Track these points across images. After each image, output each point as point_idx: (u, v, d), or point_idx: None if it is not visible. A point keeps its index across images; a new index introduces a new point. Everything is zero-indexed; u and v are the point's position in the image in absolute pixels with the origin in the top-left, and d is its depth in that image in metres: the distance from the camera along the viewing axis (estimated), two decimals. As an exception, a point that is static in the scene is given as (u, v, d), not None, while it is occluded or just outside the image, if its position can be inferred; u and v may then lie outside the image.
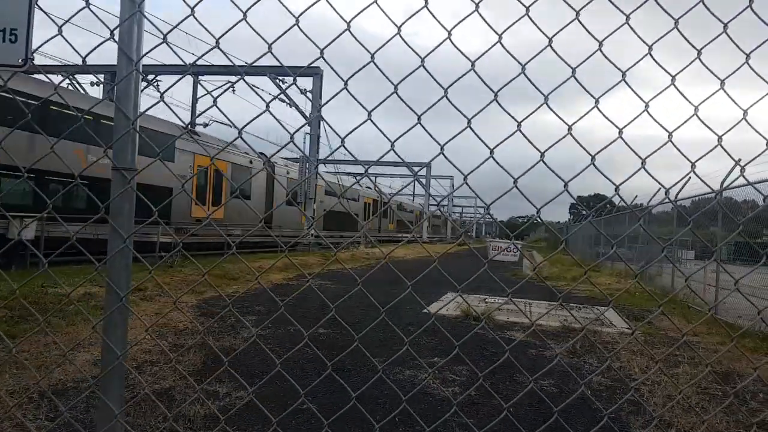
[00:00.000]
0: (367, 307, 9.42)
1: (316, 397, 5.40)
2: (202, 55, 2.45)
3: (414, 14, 2.30)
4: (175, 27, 2.66)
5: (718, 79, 2.39)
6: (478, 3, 2.30)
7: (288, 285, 14.23)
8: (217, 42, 2.22)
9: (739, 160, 2.58)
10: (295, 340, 7.64)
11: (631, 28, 2.32)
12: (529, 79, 2.38)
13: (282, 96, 25.72)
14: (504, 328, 9.43)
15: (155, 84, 25.77)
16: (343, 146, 2.32)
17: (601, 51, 2.33)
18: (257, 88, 27.58)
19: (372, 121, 2.35)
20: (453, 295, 12.64)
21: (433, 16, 2.30)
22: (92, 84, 26.90)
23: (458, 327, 9.19)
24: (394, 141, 2.33)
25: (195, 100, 27.78)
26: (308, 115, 24.73)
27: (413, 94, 2.40)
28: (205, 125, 27.85)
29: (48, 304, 9.00)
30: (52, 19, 2.26)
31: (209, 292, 11.32)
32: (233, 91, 24.09)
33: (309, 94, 26.23)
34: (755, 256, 9.59)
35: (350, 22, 2.31)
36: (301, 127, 2.71)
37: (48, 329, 7.28)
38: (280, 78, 24.21)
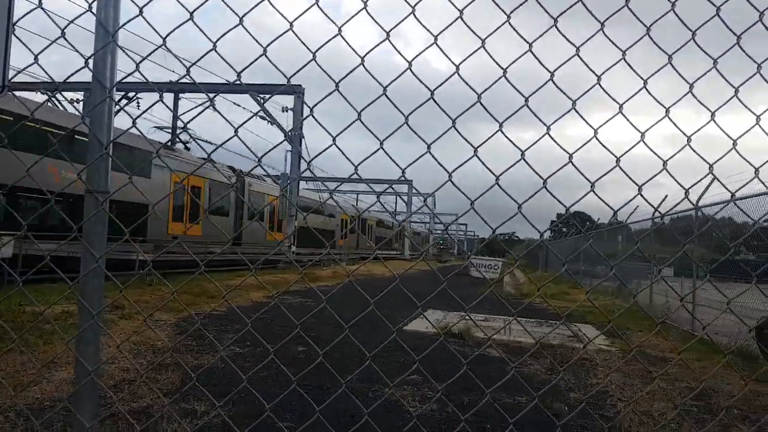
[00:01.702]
0: (345, 324, 9.34)
1: (294, 414, 5.40)
2: (178, 80, 2.50)
3: (403, 19, 2.38)
4: (146, 57, 2.71)
5: (687, 82, 2.48)
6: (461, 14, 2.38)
7: (268, 303, 14.16)
8: (188, 70, 2.29)
9: (712, 166, 2.64)
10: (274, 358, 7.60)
11: (629, 63, 2.41)
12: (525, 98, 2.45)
13: (264, 114, 25.78)
14: (481, 345, 9.48)
15: (136, 102, 25.76)
16: (310, 169, 2.38)
17: (601, 85, 2.41)
18: (238, 105, 27.63)
19: (337, 146, 2.42)
20: (433, 312, 12.70)
21: (421, 23, 2.37)
22: (71, 102, 26.75)
23: (436, 344, 9.20)
24: (358, 165, 2.39)
25: (175, 117, 27.78)
26: (290, 133, 24.77)
27: (392, 111, 2.47)
28: (186, 143, 27.80)
29: (25, 322, 8.89)
30: (29, 49, 2.30)
31: (187, 311, 11.24)
32: (213, 108, 24.07)
33: (290, 112, 26.32)
34: (733, 273, 9.75)
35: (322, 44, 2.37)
36: (276, 146, 2.76)
37: (23, 348, 7.20)
38: (261, 96, 24.28)
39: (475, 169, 2.48)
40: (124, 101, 26.94)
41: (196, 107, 27.97)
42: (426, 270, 30.03)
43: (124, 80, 2.52)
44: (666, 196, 2.80)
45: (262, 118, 25.52)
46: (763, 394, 6.97)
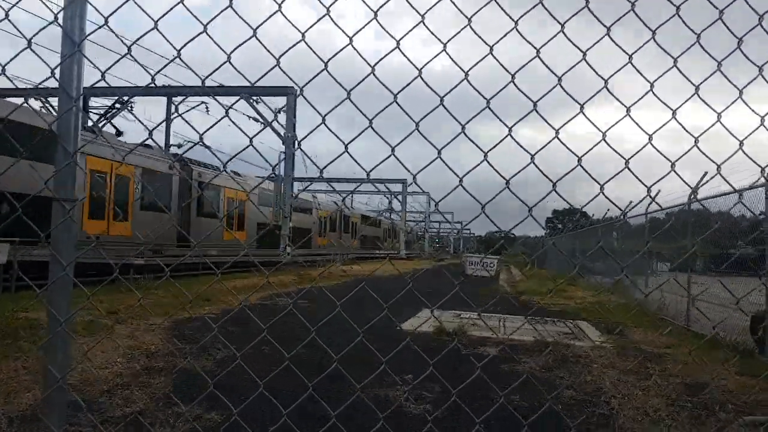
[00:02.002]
0: (342, 324, 9.33)
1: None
2: (191, 93, 2.49)
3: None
4: (111, 67, 2.69)
5: (693, 84, 2.50)
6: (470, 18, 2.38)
7: (262, 305, 14.12)
8: (203, 82, 2.26)
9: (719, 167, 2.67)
10: (268, 361, 7.59)
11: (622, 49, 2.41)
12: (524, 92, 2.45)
13: (257, 116, 25.77)
14: (477, 344, 9.48)
15: (129, 107, 25.75)
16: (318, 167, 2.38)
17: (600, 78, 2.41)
18: (233, 108, 27.59)
19: (349, 153, 2.48)
20: (428, 311, 12.68)
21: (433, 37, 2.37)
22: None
23: (432, 343, 9.20)
24: (370, 171, 2.38)
25: (169, 120, 27.71)
26: (284, 135, 24.72)
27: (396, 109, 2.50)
28: (179, 146, 27.78)
29: (20, 329, 8.85)
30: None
31: (182, 314, 11.21)
32: (207, 111, 24.10)
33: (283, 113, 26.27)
34: (731, 268, 9.78)
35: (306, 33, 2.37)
36: (244, 149, 2.77)
37: (17, 354, 7.17)
38: (255, 98, 24.28)
39: (476, 169, 2.50)
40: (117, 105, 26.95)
41: (189, 109, 27.88)
42: (421, 268, 30.08)
43: (93, 86, 2.53)
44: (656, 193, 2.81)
45: (255, 120, 25.52)
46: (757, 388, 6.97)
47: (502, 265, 36.80)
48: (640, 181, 2.51)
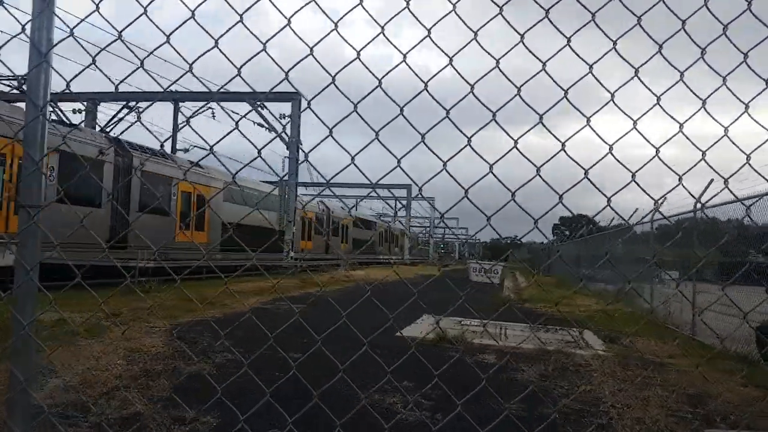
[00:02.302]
0: (339, 330, 9.29)
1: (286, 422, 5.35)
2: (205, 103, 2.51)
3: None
4: (76, 76, 2.71)
5: (700, 99, 2.51)
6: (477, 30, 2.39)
7: (263, 309, 14.14)
8: (215, 93, 2.28)
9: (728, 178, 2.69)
10: (266, 364, 7.59)
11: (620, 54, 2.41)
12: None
13: (262, 121, 25.88)
14: (477, 351, 9.44)
15: (136, 111, 25.93)
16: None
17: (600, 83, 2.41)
18: (238, 114, 27.76)
19: (356, 165, 2.55)
20: (427, 317, 12.65)
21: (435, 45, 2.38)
22: (74, 111, 26.91)
23: (431, 350, 9.18)
24: (377, 181, 2.40)
25: (176, 124, 27.86)
26: (281, 134, 24.77)
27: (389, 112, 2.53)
28: (186, 150, 27.85)
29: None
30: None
31: (184, 317, 11.25)
32: (213, 116, 24.21)
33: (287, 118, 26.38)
34: (740, 276, 9.69)
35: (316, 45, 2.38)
36: (253, 160, 2.81)
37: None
38: (259, 103, 24.38)
39: (476, 175, 2.53)
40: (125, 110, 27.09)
41: (193, 114, 27.97)
42: (425, 275, 30.02)
43: (57, 96, 2.58)
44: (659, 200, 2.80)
45: (260, 125, 25.62)
46: (761, 400, 6.91)
47: (506, 272, 36.69)
48: (647, 194, 2.55)
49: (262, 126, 26.04)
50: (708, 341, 10.58)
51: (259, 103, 24.35)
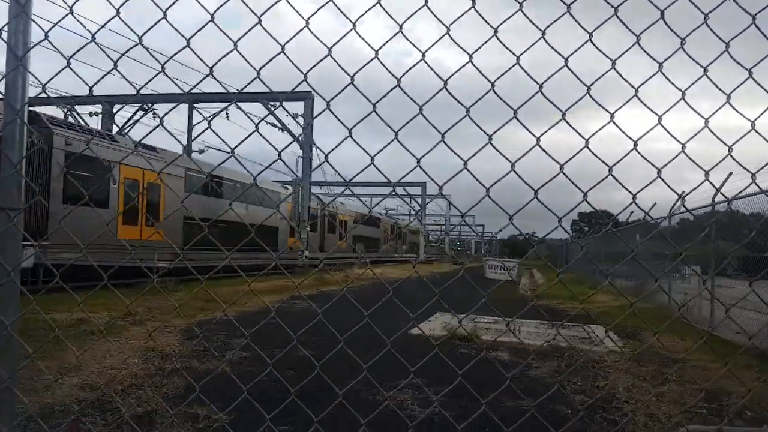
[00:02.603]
0: (351, 328, 9.30)
1: (296, 417, 5.40)
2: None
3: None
4: (51, 79, 2.78)
5: (724, 93, 2.50)
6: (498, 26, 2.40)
7: (280, 308, 14.21)
8: (233, 99, 2.34)
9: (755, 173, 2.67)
10: (281, 364, 7.63)
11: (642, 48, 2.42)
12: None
13: (275, 120, 26.00)
14: (490, 348, 9.42)
15: (153, 112, 26.20)
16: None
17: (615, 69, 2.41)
18: (250, 114, 27.91)
19: (375, 165, 2.58)
20: (440, 314, 12.63)
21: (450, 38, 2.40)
22: (91, 114, 27.16)
23: (443, 348, 9.15)
24: (396, 183, 2.42)
25: (191, 126, 28.06)
26: (299, 138, 24.88)
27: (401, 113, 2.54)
28: (201, 151, 27.98)
29: (38, 330, 9.03)
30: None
31: (199, 316, 11.36)
32: (227, 117, 24.31)
33: (300, 119, 26.43)
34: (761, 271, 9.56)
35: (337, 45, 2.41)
36: (273, 163, 2.84)
37: (37, 355, 7.31)
38: (272, 103, 24.48)
39: (494, 170, 2.53)
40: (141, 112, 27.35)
41: (210, 116, 28.14)
42: (441, 272, 29.97)
43: (34, 99, 2.65)
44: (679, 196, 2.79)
45: (273, 125, 25.72)
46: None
47: (523, 269, 36.50)
48: (672, 189, 2.52)
49: (275, 126, 26.17)
50: (727, 336, 10.46)
51: (275, 104, 24.45)
